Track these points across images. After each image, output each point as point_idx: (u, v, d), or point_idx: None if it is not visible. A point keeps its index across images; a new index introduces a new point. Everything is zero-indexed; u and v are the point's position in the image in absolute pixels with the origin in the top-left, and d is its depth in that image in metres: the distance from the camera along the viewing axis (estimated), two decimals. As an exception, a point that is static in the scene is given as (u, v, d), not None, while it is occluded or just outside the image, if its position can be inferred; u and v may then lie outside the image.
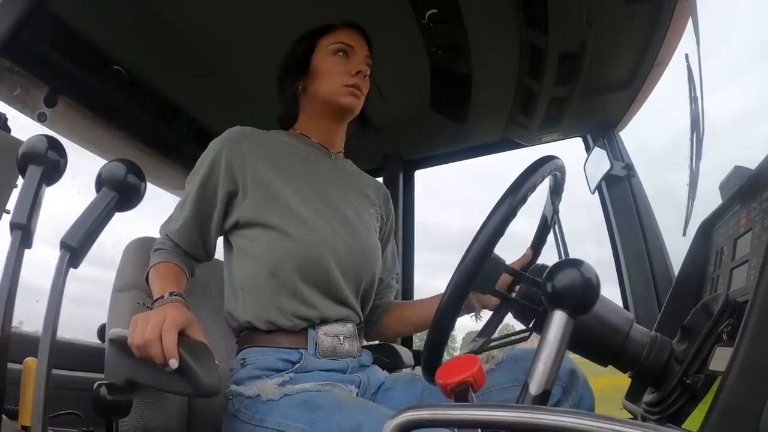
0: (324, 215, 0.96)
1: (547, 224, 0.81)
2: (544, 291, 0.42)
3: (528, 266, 0.90)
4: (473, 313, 0.98)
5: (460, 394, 0.43)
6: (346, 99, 0.98)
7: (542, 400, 0.40)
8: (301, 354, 0.90)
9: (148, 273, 0.92)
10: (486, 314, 0.98)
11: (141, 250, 1.05)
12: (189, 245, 0.98)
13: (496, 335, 0.75)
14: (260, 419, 0.82)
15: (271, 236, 0.92)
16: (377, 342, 1.82)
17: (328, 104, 1.00)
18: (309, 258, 0.91)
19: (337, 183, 1.03)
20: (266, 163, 0.97)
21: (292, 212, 0.93)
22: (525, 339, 0.72)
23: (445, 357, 0.63)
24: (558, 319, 0.41)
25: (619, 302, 1.51)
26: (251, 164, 0.95)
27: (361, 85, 0.99)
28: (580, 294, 0.40)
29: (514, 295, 0.77)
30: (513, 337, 0.74)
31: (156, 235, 1.04)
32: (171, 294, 0.83)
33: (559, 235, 0.74)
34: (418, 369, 0.93)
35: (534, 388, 0.40)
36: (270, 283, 0.91)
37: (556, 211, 0.77)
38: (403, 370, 1.65)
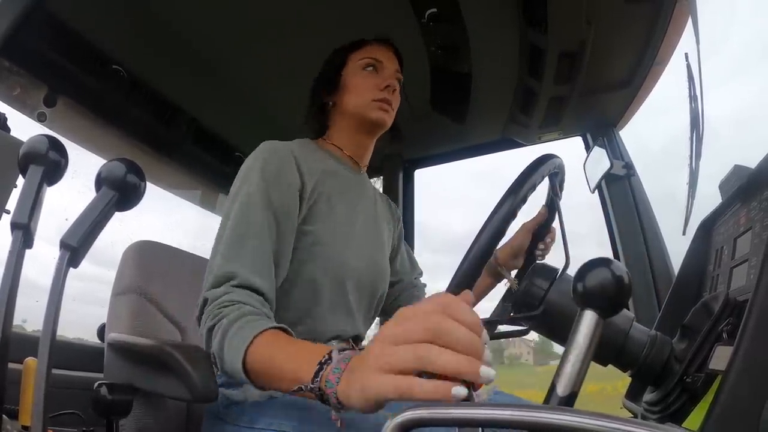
0: (354, 235, 0.95)
1: (555, 192, 0.80)
2: (574, 291, 0.41)
3: (545, 223, 0.92)
4: (506, 281, 0.96)
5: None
6: (375, 114, 0.97)
7: (569, 401, 0.39)
8: None
9: (246, 360, 0.63)
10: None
11: (140, 253, 1.05)
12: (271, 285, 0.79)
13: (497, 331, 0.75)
14: (248, 420, 0.79)
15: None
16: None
17: (358, 119, 1.00)
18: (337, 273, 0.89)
19: (366, 201, 1.03)
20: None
21: (334, 227, 0.92)
22: (525, 333, 0.72)
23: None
24: (588, 320, 0.40)
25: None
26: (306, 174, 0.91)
27: (391, 99, 0.98)
28: (611, 293, 0.39)
29: (515, 292, 0.77)
30: (514, 329, 0.74)
31: (152, 238, 1.03)
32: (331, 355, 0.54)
33: (561, 234, 0.75)
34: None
35: (561, 389, 0.39)
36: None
37: (558, 210, 0.77)
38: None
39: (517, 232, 0.97)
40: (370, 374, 0.44)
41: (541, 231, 0.93)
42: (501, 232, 0.62)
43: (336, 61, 1.04)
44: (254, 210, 0.80)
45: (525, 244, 0.95)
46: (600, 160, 1.50)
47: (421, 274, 1.20)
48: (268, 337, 0.64)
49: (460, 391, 0.38)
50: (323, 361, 0.53)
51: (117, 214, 0.60)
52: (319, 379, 0.52)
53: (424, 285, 1.18)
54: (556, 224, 0.95)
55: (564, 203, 0.79)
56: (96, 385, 0.80)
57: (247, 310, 0.69)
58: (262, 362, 0.62)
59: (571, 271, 0.71)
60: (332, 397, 0.50)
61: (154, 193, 1.78)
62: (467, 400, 0.39)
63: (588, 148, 1.63)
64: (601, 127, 1.57)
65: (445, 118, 1.72)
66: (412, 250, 1.99)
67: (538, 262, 0.90)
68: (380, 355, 0.43)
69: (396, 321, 0.44)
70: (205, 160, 1.79)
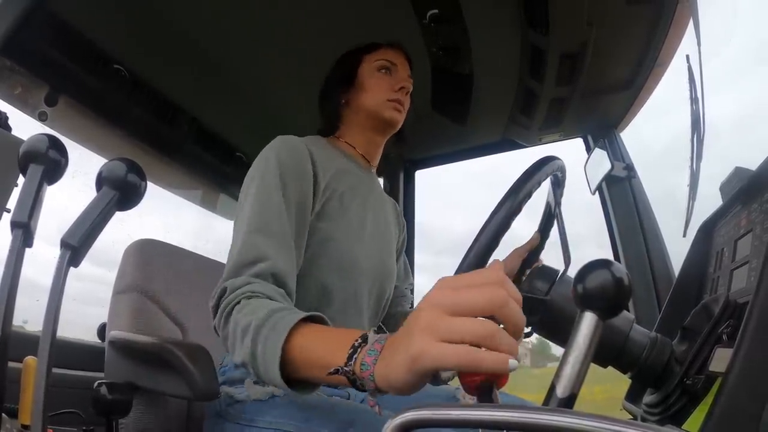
0: (367, 234, 0.95)
1: (551, 213, 0.80)
2: (574, 292, 0.41)
3: (536, 250, 0.91)
4: None
5: (484, 391, 0.42)
6: (389, 113, 1.00)
7: (568, 403, 0.39)
8: None
9: (282, 364, 0.58)
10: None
11: (141, 252, 1.05)
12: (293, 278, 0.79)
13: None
14: (249, 419, 0.78)
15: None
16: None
17: (371, 117, 1.01)
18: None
19: (376, 201, 1.04)
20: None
21: (346, 225, 0.92)
22: (527, 336, 0.72)
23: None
24: (588, 321, 0.40)
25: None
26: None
27: (404, 101, 1.01)
28: (611, 295, 0.39)
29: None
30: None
31: (153, 236, 1.03)
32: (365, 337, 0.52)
33: (561, 237, 0.74)
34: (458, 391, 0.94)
35: (561, 391, 0.39)
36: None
37: (557, 213, 0.77)
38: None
39: (508, 256, 0.95)
40: (425, 343, 0.41)
41: (531, 258, 0.92)
42: (501, 232, 0.62)
43: (351, 60, 1.06)
44: (273, 199, 0.80)
45: (515, 270, 0.92)
46: (601, 162, 1.50)
47: (411, 284, 1.21)
48: (300, 330, 0.59)
49: (514, 363, 0.39)
50: (357, 344, 0.51)
51: (117, 214, 0.60)
52: (353, 362, 0.50)
53: (412, 298, 1.20)
54: (554, 231, 0.94)
55: (564, 204, 0.79)
56: (96, 384, 0.80)
57: (274, 307, 0.64)
58: (296, 356, 0.58)
59: (572, 273, 0.71)
60: (368, 380, 0.48)
61: (154, 193, 1.78)
62: (491, 400, 0.39)
63: (589, 150, 1.63)
64: (602, 129, 1.57)
65: (446, 119, 1.72)
66: (413, 251, 2.00)
67: (539, 264, 0.90)
68: (438, 324, 0.41)
69: (451, 288, 0.42)
70: (206, 160, 1.79)
